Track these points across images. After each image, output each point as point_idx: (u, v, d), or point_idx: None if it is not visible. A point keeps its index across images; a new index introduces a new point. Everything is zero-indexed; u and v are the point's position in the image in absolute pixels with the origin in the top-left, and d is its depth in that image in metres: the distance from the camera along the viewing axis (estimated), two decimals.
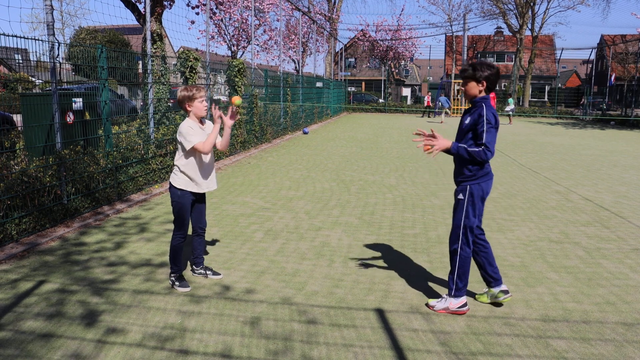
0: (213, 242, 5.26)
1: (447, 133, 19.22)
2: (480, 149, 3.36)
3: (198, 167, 3.92)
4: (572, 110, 33.72)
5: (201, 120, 3.97)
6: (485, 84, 3.47)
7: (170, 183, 3.98)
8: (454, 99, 31.82)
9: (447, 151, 3.51)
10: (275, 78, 16.44)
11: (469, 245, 3.56)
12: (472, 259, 3.66)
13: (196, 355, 3.06)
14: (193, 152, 3.89)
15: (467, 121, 3.51)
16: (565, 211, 6.83)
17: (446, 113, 28.66)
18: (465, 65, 3.62)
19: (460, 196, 3.55)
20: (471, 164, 3.48)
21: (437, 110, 32.14)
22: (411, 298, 3.93)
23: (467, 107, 3.65)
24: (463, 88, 3.58)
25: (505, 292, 3.74)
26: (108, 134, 7.01)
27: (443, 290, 4.06)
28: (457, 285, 3.59)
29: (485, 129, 3.34)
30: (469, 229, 3.53)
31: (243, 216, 6.36)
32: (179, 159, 3.91)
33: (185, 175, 3.91)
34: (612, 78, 31.31)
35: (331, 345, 3.20)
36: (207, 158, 3.97)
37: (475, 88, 3.50)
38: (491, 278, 3.73)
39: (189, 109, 3.89)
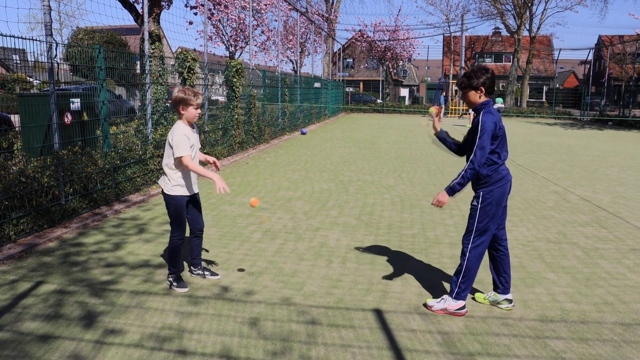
0: (211, 243, 5.25)
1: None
2: (467, 169, 3.41)
3: (186, 170, 3.92)
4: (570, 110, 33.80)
5: (192, 124, 3.96)
6: (483, 89, 3.50)
7: (162, 188, 3.98)
8: (451, 99, 31.88)
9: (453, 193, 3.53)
10: (273, 78, 16.44)
11: (479, 251, 3.56)
12: (480, 263, 3.67)
13: (194, 355, 3.06)
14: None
15: (472, 129, 3.56)
16: (563, 211, 6.85)
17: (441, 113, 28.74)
18: (460, 77, 3.65)
19: (474, 202, 3.58)
20: (482, 174, 3.51)
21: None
22: (409, 298, 3.94)
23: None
24: (464, 100, 3.63)
25: (510, 301, 3.77)
26: (106, 135, 7.01)
27: (441, 291, 4.07)
28: (460, 287, 3.60)
29: (479, 136, 3.38)
30: (480, 234, 3.55)
31: (241, 217, 6.36)
32: (168, 161, 3.91)
33: (175, 179, 3.90)
34: (607, 73, 31.38)
35: (329, 345, 3.21)
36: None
37: (474, 96, 3.54)
38: (500, 284, 3.76)
39: (182, 112, 3.87)
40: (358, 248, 5.17)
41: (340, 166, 10.62)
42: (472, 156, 3.40)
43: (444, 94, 31.62)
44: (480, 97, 3.53)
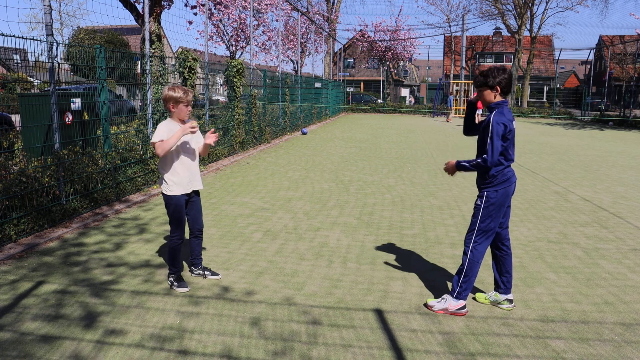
0: (211, 243, 5.25)
1: (446, 133, 19.22)
2: (479, 160, 3.48)
3: (175, 166, 3.92)
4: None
5: (184, 122, 3.96)
6: (499, 88, 3.50)
7: (161, 190, 4.01)
8: (454, 99, 31.87)
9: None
10: (274, 78, 16.44)
11: (480, 250, 3.57)
12: (481, 263, 3.69)
13: (195, 355, 3.06)
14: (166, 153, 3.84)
15: (481, 127, 3.57)
16: (564, 211, 6.84)
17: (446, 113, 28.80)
18: (477, 75, 3.66)
19: (478, 201, 3.59)
20: (486, 172, 3.53)
21: (435, 110, 32.27)
22: (410, 298, 3.94)
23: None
24: (479, 97, 3.64)
25: (510, 301, 3.77)
26: (106, 135, 7.01)
27: (442, 291, 4.07)
28: (461, 287, 3.60)
29: (489, 137, 3.41)
30: (482, 233, 3.55)
31: (242, 216, 6.36)
32: (159, 161, 3.93)
33: (171, 179, 3.91)
34: (607, 74, 31.31)
35: (330, 345, 3.20)
36: (183, 158, 3.94)
37: (490, 95, 3.54)
38: (502, 284, 3.76)
39: (172, 110, 3.86)
40: (358, 248, 5.17)
41: (340, 166, 10.61)
42: (485, 155, 3.44)
43: (452, 94, 31.67)
44: (495, 97, 3.53)
